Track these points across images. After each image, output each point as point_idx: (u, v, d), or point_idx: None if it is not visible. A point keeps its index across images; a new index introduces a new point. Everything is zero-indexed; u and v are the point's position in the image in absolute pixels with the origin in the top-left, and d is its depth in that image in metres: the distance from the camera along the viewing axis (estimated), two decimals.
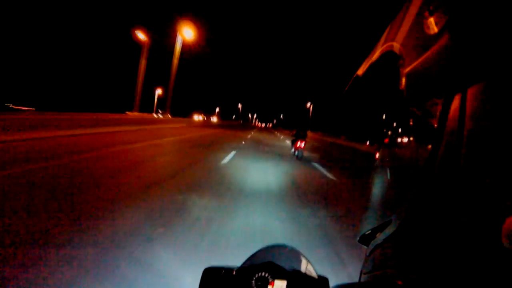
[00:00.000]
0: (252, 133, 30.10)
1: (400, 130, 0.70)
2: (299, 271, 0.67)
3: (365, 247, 0.64)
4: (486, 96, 0.38)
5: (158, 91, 38.07)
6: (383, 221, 0.60)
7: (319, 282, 0.65)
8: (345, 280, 2.14)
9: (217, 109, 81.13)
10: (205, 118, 44.61)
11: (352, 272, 2.35)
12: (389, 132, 0.73)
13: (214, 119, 56.12)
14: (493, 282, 0.33)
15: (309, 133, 12.42)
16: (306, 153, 12.12)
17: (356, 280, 0.60)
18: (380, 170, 0.72)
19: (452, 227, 0.39)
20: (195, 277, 0.71)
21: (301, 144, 10.78)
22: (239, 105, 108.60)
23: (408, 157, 0.68)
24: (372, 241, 0.60)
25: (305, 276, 0.66)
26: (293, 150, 11.62)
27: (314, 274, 0.66)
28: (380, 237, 0.57)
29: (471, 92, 0.40)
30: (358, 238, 0.68)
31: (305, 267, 0.68)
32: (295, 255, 0.69)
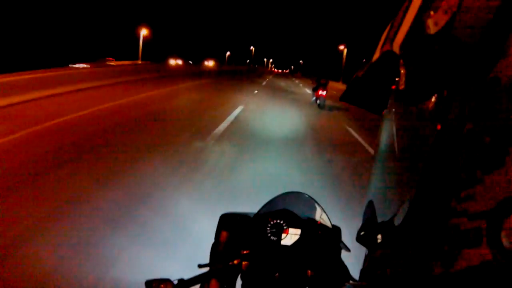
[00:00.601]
0: (264, 83, 21.67)
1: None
2: (313, 220, 0.68)
3: (365, 247, 0.64)
4: (485, 95, 0.38)
5: (143, 32, 26.30)
6: (384, 221, 0.60)
7: (333, 231, 0.66)
8: None
9: (228, 53, 64.47)
10: (189, 64, 29.90)
11: None
12: None
13: (209, 63, 37.76)
14: (493, 282, 0.33)
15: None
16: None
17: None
18: None
19: (452, 227, 0.39)
20: (213, 217, 0.71)
21: (322, 92, 10.30)
22: (252, 48, 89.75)
23: None
24: (372, 241, 0.61)
25: (319, 225, 0.66)
26: (314, 98, 11.25)
27: (328, 223, 0.66)
28: (380, 237, 0.58)
29: (471, 92, 0.40)
30: (357, 238, 0.69)
31: (320, 215, 0.68)
32: (310, 203, 0.69)
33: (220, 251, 0.64)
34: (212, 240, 0.66)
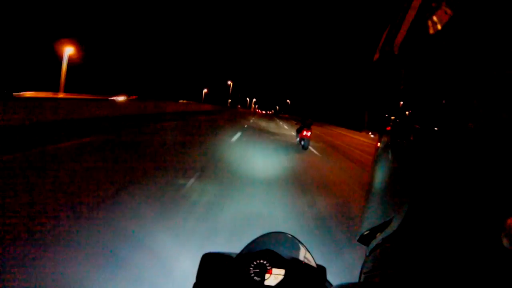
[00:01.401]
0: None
1: (407, 113, 0.64)
2: (297, 260, 0.67)
3: (365, 247, 0.63)
4: (486, 95, 0.38)
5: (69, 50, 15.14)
6: (384, 221, 0.60)
7: (317, 271, 0.65)
8: None
9: (205, 91, 55.84)
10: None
11: None
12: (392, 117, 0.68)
13: (120, 98, 18.10)
14: (493, 282, 0.33)
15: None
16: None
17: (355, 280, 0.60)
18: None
19: (452, 227, 0.39)
20: (194, 259, 0.70)
21: (307, 133, 10.34)
22: (230, 83, 70.06)
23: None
24: (372, 241, 0.60)
25: (304, 264, 0.66)
26: (298, 139, 11.21)
27: (312, 263, 0.66)
28: (380, 237, 0.57)
29: (471, 92, 0.40)
30: (357, 238, 0.68)
31: (304, 255, 0.68)
32: (294, 243, 0.69)
33: None
34: (194, 280, 0.64)
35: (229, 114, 32.99)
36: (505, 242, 0.31)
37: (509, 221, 0.31)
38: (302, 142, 10.57)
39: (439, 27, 0.45)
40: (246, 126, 18.13)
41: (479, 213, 0.36)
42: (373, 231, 0.62)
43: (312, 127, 10.68)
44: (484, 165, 0.37)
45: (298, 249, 0.69)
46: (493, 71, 0.38)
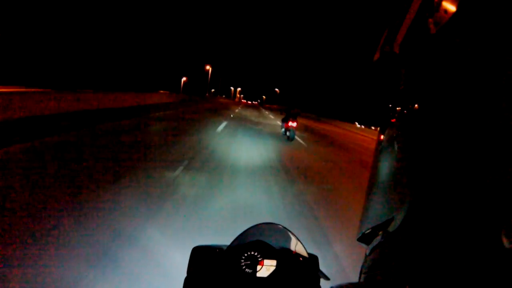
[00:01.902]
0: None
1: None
2: (289, 250, 0.67)
3: (365, 246, 0.63)
4: (486, 95, 0.38)
5: None
6: (384, 220, 0.59)
7: (309, 260, 0.65)
8: None
9: (184, 79, 49.32)
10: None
11: None
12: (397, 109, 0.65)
13: None
14: (493, 282, 0.33)
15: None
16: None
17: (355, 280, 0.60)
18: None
19: (453, 227, 0.39)
20: (184, 253, 0.69)
21: (292, 123, 9.80)
22: (208, 68, 64.55)
23: None
24: (372, 241, 0.60)
25: (295, 254, 0.66)
26: (283, 129, 10.72)
27: (304, 253, 0.66)
28: (380, 236, 0.57)
29: (471, 92, 0.40)
30: (357, 237, 0.68)
31: (295, 245, 0.68)
32: (285, 233, 0.68)
33: (193, 285, 0.62)
34: (185, 275, 0.63)
35: (195, 109, 22.68)
36: (505, 242, 0.31)
37: (509, 221, 0.31)
38: (288, 133, 10.11)
39: (439, 27, 0.45)
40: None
41: (480, 212, 0.36)
42: (374, 230, 0.62)
43: (299, 118, 10.11)
44: (484, 165, 0.37)
45: (289, 239, 0.68)
46: (494, 71, 0.38)
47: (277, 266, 0.62)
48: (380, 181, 0.67)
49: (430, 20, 0.46)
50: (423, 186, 0.47)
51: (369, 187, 0.69)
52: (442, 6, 0.45)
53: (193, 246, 0.69)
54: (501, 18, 0.37)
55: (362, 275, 0.57)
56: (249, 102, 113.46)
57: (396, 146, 0.62)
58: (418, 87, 0.54)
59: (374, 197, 0.68)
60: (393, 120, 0.64)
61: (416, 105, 0.58)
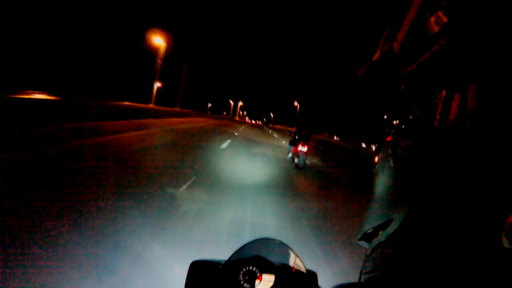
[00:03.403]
0: None
1: (403, 126, 0.66)
2: (287, 265, 0.67)
3: (365, 246, 0.63)
4: (486, 95, 0.39)
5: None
6: (384, 220, 0.59)
7: (308, 276, 0.65)
8: None
9: (209, 105, 65.39)
10: None
11: None
12: (392, 131, 0.69)
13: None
14: (493, 282, 0.33)
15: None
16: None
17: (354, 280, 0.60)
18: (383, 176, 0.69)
19: (452, 227, 0.39)
20: (183, 267, 0.68)
21: (303, 147, 7.44)
22: (231, 101, 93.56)
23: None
24: (372, 241, 0.60)
25: (294, 270, 0.65)
26: (290, 155, 8.21)
27: (302, 269, 0.65)
28: (380, 236, 0.57)
29: (471, 92, 0.40)
30: (358, 238, 0.68)
31: (294, 261, 0.67)
32: (283, 249, 0.68)
33: None
34: None
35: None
36: (505, 242, 0.31)
37: (509, 221, 0.31)
38: (296, 160, 7.74)
39: (439, 27, 0.46)
40: None
41: (479, 213, 0.36)
42: (374, 230, 0.61)
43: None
44: (484, 165, 0.37)
45: (288, 254, 0.68)
46: (494, 71, 0.38)
47: (275, 281, 0.62)
48: (380, 187, 0.68)
49: (430, 20, 0.47)
50: (420, 189, 0.47)
51: (370, 192, 0.69)
52: (442, 7, 0.45)
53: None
54: (502, 18, 0.37)
55: (362, 275, 0.57)
56: (253, 121, 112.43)
57: (392, 160, 0.64)
58: (419, 89, 0.55)
59: (375, 201, 0.68)
60: (388, 139, 0.67)
61: (415, 108, 0.59)
